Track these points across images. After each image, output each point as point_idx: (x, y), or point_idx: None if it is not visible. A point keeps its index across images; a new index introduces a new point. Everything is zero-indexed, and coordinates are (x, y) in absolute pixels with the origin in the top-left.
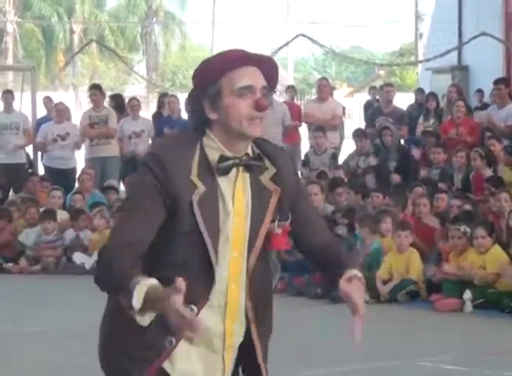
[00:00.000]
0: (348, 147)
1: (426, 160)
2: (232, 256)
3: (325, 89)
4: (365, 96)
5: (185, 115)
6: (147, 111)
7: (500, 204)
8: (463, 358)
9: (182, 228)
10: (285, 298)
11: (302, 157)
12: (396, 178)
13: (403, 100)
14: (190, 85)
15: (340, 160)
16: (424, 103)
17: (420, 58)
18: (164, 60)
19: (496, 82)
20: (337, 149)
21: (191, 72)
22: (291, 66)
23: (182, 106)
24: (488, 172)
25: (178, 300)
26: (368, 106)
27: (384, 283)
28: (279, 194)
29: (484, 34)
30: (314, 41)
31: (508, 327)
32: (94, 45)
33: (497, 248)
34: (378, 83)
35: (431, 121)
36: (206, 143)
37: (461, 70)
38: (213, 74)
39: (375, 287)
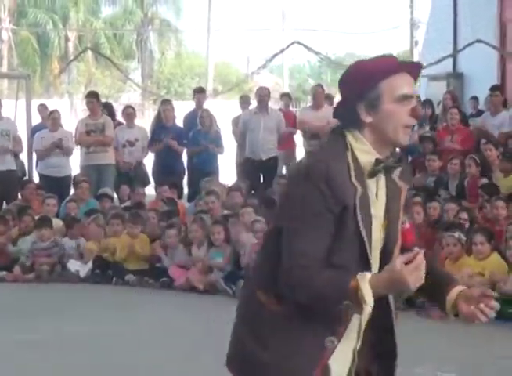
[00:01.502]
0: None
1: (421, 166)
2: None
3: (320, 96)
4: None
5: (179, 123)
6: (142, 119)
7: (497, 212)
8: (461, 366)
9: (343, 233)
10: None
11: None
12: None
13: None
14: (185, 93)
15: None
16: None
17: None
18: (159, 68)
19: (493, 89)
20: None
21: (186, 80)
22: (286, 73)
23: (177, 113)
24: (483, 179)
25: (398, 263)
26: None
27: None
28: (406, 191)
29: (479, 41)
30: (309, 49)
31: (506, 334)
32: (89, 52)
33: (496, 255)
34: None
35: (426, 128)
36: (355, 146)
37: (456, 77)
38: (372, 79)
39: None
